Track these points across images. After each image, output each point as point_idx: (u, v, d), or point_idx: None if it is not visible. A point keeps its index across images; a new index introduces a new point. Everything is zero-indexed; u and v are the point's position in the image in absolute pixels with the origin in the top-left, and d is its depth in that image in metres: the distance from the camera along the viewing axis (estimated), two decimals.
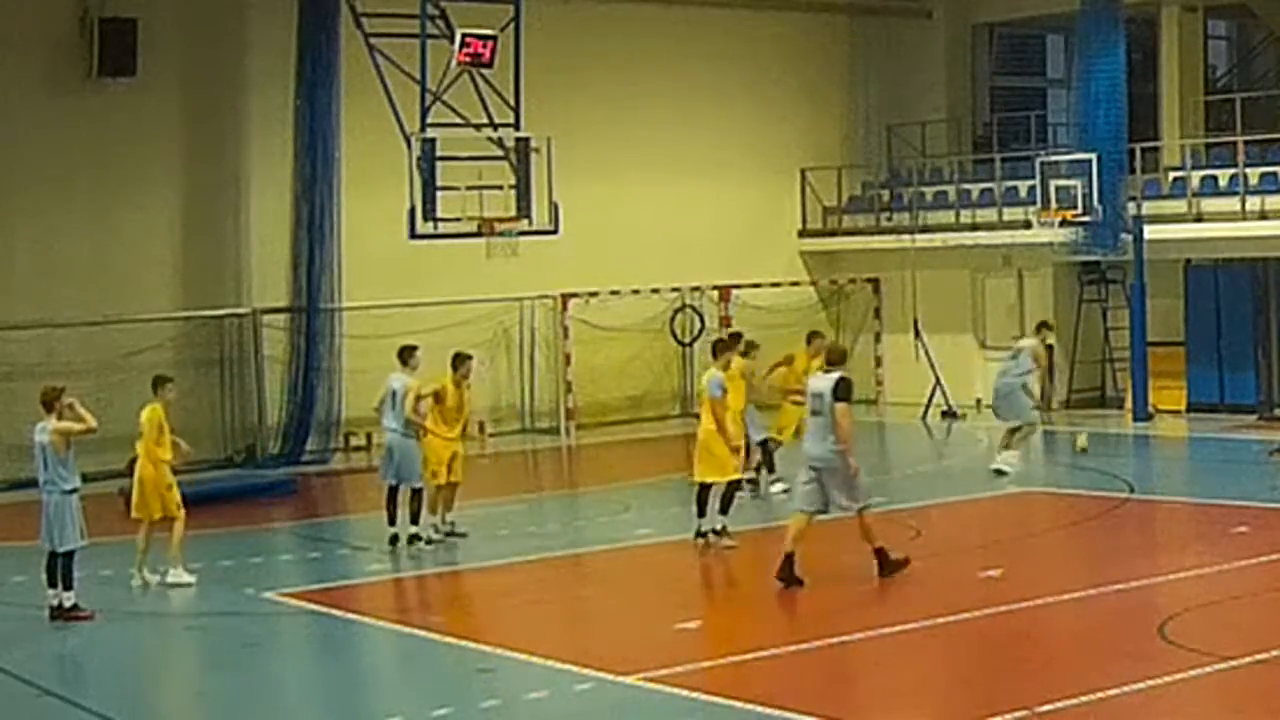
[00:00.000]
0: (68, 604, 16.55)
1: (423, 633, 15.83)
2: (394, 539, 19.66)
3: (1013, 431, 23.98)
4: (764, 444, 22.46)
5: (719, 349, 20.53)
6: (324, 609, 17.03)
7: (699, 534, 19.28)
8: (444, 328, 28.37)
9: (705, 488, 19.15)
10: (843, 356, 17.62)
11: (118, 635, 16.35)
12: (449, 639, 15.56)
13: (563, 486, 26.40)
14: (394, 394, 19.71)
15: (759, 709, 12.58)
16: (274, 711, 14.15)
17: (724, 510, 19.14)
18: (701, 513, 19.20)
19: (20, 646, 15.89)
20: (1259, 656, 13.46)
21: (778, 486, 22.40)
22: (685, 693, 13.13)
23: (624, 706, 13.28)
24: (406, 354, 20.05)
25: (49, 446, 16.50)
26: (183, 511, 18.06)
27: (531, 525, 21.67)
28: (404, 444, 19.69)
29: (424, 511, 19.79)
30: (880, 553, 16.96)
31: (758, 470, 22.51)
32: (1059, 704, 12.35)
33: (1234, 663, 13.37)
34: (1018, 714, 12.17)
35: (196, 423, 26.36)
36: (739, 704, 12.76)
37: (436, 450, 19.98)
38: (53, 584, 16.65)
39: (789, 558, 16.76)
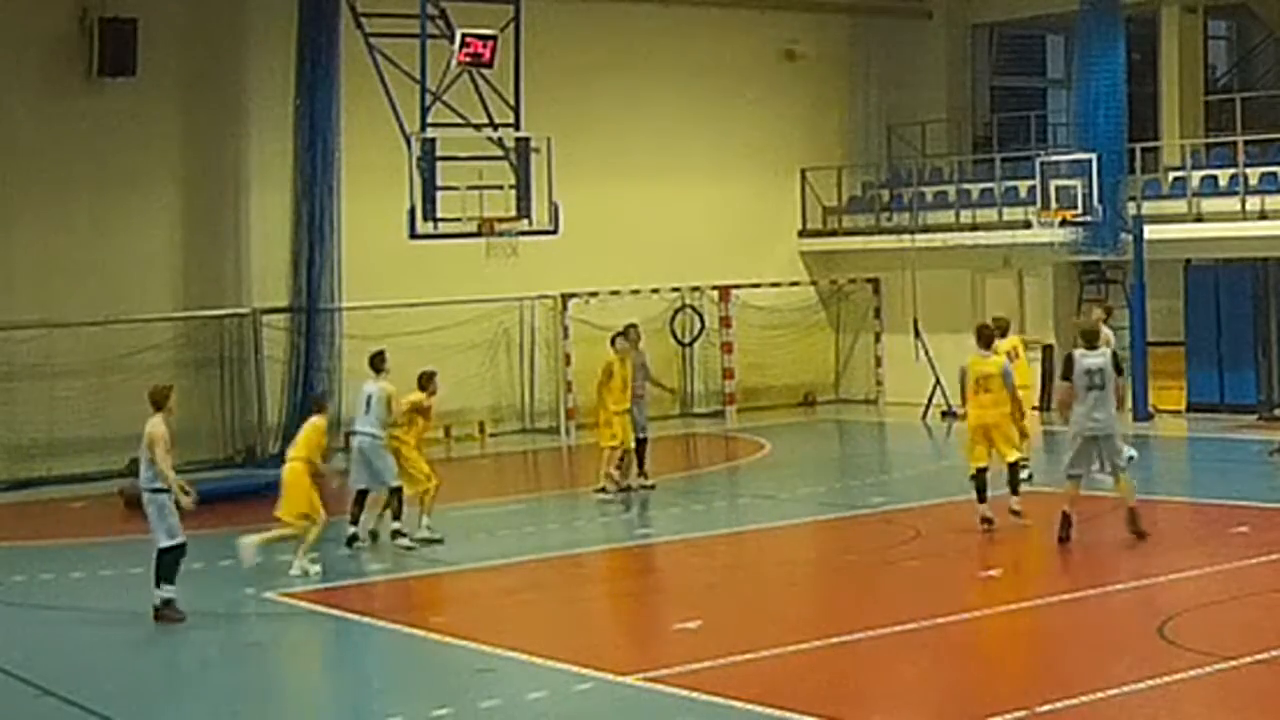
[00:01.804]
0: (157, 602, 16.39)
1: (423, 633, 15.82)
2: (352, 539, 19.67)
3: None
4: (644, 443, 23.21)
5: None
6: (324, 609, 17.03)
7: (984, 520, 19.14)
8: (444, 328, 28.34)
9: (984, 471, 19.29)
10: (1097, 334, 19.04)
11: (119, 635, 16.33)
12: (449, 639, 15.54)
13: (563, 486, 26.36)
14: (369, 399, 19.78)
15: (759, 709, 12.57)
16: (274, 711, 14.14)
17: (1014, 490, 19.28)
18: (981, 498, 19.21)
19: (20, 646, 15.87)
20: (1259, 656, 13.45)
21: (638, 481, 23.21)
22: (685, 693, 13.12)
23: (624, 706, 13.28)
24: (379, 360, 20.17)
25: (144, 446, 16.37)
26: (318, 514, 18.35)
27: (531, 525, 21.66)
28: (376, 448, 19.69)
29: (423, 511, 19.87)
30: (1132, 511, 18.32)
31: (625, 470, 23.04)
32: (1059, 704, 12.34)
33: (1234, 663, 13.36)
34: (1018, 714, 12.17)
35: (196, 423, 26.41)
36: (739, 704, 12.74)
37: (417, 459, 20.05)
38: (158, 583, 16.55)
39: (1066, 518, 18.11)
